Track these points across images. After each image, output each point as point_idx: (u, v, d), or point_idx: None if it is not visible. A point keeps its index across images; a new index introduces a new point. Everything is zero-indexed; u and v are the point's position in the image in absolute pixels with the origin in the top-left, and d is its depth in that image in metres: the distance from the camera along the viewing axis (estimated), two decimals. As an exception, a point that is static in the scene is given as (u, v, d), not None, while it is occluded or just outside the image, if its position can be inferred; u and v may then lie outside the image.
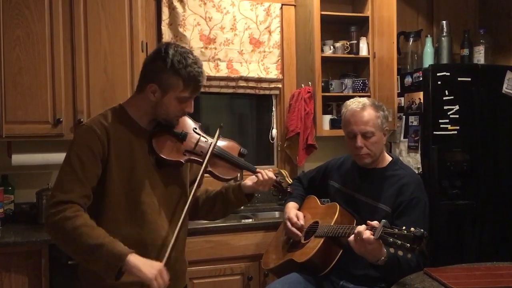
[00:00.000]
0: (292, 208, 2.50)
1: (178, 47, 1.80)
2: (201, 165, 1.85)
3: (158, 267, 1.67)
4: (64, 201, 1.65)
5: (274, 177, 2.00)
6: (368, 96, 3.46)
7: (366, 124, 2.24)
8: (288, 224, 2.39)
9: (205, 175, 1.89)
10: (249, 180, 2.00)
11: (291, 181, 2.98)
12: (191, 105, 1.84)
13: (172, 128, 1.87)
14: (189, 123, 1.95)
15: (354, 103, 2.30)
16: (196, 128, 1.95)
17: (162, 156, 1.81)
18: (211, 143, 1.88)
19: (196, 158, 1.88)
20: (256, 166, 2.03)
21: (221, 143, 1.98)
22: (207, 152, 1.86)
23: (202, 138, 1.92)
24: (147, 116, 1.84)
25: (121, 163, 1.76)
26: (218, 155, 1.92)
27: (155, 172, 1.84)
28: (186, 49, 1.81)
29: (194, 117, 2.01)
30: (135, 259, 1.64)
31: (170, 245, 1.74)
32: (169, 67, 1.74)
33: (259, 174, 1.97)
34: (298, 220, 2.37)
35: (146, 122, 1.85)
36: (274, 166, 3.65)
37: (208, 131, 2.00)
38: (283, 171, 3.47)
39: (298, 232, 2.35)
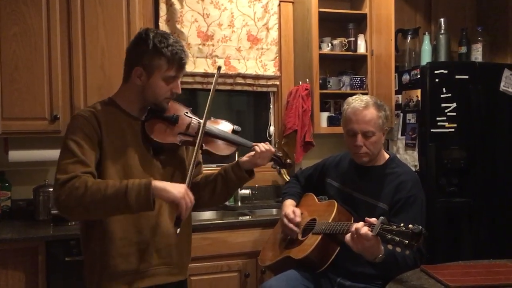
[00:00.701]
0: (289, 205, 2.49)
1: (157, 30, 1.84)
2: (196, 145, 1.87)
3: (184, 187, 1.71)
4: (69, 178, 1.65)
5: (272, 149, 2.01)
6: (366, 94, 3.47)
7: (368, 123, 2.23)
8: (285, 220, 2.38)
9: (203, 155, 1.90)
10: (246, 156, 2.01)
11: (288, 178, 2.98)
12: (178, 85, 1.86)
13: (163, 113, 1.88)
14: (180, 108, 1.98)
15: (357, 101, 2.28)
16: (187, 112, 1.98)
17: (156, 140, 1.83)
18: (204, 118, 1.90)
19: (190, 139, 1.90)
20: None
21: (214, 123, 2.02)
22: (201, 127, 1.88)
23: (194, 120, 1.95)
24: (137, 104, 1.85)
25: (114, 151, 1.77)
26: (212, 134, 1.95)
27: (151, 159, 1.85)
28: (166, 32, 1.86)
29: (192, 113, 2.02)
30: (159, 183, 1.68)
31: (190, 168, 1.80)
32: (151, 47, 1.77)
33: (256, 147, 1.99)
34: (295, 216, 2.37)
35: (136, 110, 1.86)
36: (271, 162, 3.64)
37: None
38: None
39: (295, 228, 2.34)
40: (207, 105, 1.91)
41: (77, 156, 1.69)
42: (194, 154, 1.85)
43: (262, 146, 1.99)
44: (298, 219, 2.37)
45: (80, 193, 1.62)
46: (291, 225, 2.35)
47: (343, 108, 2.35)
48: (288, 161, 2.13)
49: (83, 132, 1.73)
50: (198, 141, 1.86)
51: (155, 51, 1.77)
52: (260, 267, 2.81)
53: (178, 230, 1.72)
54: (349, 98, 2.35)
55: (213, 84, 1.96)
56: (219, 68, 2.00)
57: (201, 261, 2.77)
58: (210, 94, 1.95)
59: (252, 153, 1.99)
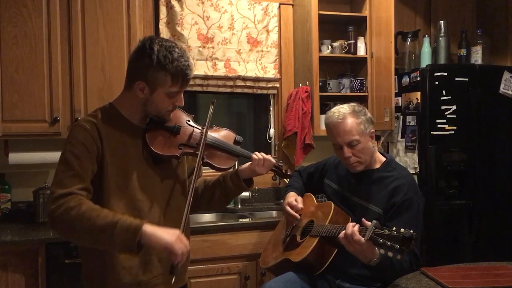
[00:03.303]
0: (292, 195, 2.49)
1: (162, 41, 1.76)
2: (197, 157, 1.84)
3: (176, 232, 1.65)
4: (65, 194, 1.63)
5: (273, 160, 1.99)
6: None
7: (349, 133, 2.21)
8: (288, 208, 2.38)
9: (204, 167, 1.88)
10: (246, 165, 2.00)
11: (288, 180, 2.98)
12: (181, 99, 1.82)
13: (165, 123, 1.86)
14: (182, 116, 1.94)
15: (335, 114, 2.26)
16: (189, 121, 1.94)
17: (156, 151, 1.81)
18: (204, 132, 1.87)
19: (191, 151, 1.88)
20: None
21: (216, 133, 1.98)
22: (201, 142, 1.85)
23: (196, 130, 1.92)
24: (138, 113, 1.82)
25: (115, 161, 1.75)
26: (214, 145, 1.93)
27: (151, 169, 1.83)
28: (171, 43, 1.77)
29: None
30: (150, 228, 1.61)
31: (185, 212, 1.75)
32: (156, 63, 1.71)
33: (253, 155, 1.97)
34: (297, 203, 2.37)
35: (138, 119, 1.83)
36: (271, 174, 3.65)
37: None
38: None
39: (297, 215, 2.35)
40: (204, 137, 1.87)
41: (74, 170, 1.66)
42: (195, 174, 1.83)
43: (260, 154, 1.98)
44: (300, 205, 2.37)
45: (73, 215, 1.60)
46: (292, 212, 2.35)
47: (325, 122, 2.34)
48: (289, 172, 2.12)
49: (83, 144, 1.70)
50: (199, 158, 1.83)
51: (159, 67, 1.71)
52: (260, 269, 2.82)
53: (174, 278, 1.69)
54: (328, 112, 2.34)
55: (207, 118, 1.90)
56: (213, 103, 1.96)
57: (201, 264, 2.77)
58: (204, 135, 1.88)
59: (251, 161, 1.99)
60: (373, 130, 2.30)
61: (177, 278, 1.78)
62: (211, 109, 1.93)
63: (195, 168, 1.85)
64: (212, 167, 1.91)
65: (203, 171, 2.15)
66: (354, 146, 2.22)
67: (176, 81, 1.74)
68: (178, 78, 1.74)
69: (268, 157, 1.98)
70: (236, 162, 2.00)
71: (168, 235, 1.62)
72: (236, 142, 2.00)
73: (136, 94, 1.77)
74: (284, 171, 2.10)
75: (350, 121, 2.22)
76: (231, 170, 2.03)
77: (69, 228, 1.64)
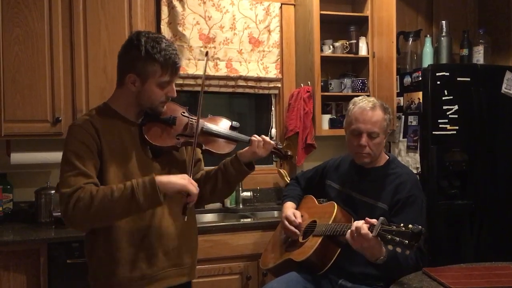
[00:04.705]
0: (289, 207, 2.50)
1: (149, 33, 1.80)
2: (195, 143, 1.86)
3: (186, 176, 1.74)
4: (74, 191, 1.65)
5: (272, 142, 2.00)
6: (367, 96, 3.46)
7: (374, 124, 2.23)
8: (286, 222, 2.39)
9: (204, 154, 1.92)
10: (245, 148, 2.00)
11: (289, 179, 2.98)
12: (173, 89, 1.85)
13: (160, 115, 1.88)
14: (176, 108, 1.96)
15: (364, 101, 2.28)
16: (184, 112, 1.96)
17: (155, 144, 1.83)
18: (199, 120, 1.90)
19: (189, 140, 1.89)
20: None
21: (212, 121, 2.01)
22: (197, 126, 1.87)
23: (191, 120, 1.94)
24: (133, 108, 1.84)
25: (114, 158, 1.77)
26: (211, 132, 1.95)
27: (151, 163, 1.85)
28: (158, 35, 1.82)
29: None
30: (162, 178, 1.70)
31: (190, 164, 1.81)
32: (144, 54, 1.74)
33: (252, 137, 1.98)
34: (295, 218, 2.37)
35: (133, 115, 1.85)
36: (273, 165, 3.65)
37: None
38: (282, 171, 3.48)
39: (296, 230, 2.35)
40: (200, 96, 1.90)
41: (78, 168, 1.68)
42: (192, 158, 1.84)
43: (258, 137, 1.98)
44: (299, 220, 2.37)
45: (87, 202, 1.63)
46: (292, 228, 2.36)
47: (349, 107, 2.34)
48: (289, 152, 2.12)
49: (82, 142, 1.72)
50: (194, 141, 1.85)
51: (148, 57, 1.74)
52: (262, 270, 2.81)
53: (186, 217, 1.74)
54: (355, 98, 2.36)
55: (204, 69, 1.95)
56: (207, 53, 2.00)
57: (203, 263, 2.77)
58: (202, 81, 1.98)
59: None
60: (389, 130, 2.35)
61: (188, 237, 1.86)
62: (206, 59, 2.06)
63: (192, 151, 1.86)
64: (211, 153, 1.92)
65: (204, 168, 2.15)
66: (373, 138, 2.24)
67: (165, 70, 1.77)
68: (167, 67, 1.77)
69: (268, 139, 1.99)
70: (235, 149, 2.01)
71: (180, 179, 1.71)
72: (232, 127, 2.02)
73: (128, 88, 1.80)
74: (284, 153, 2.09)
75: (379, 113, 2.26)
76: (230, 157, 2.03)
77: (89, 216, 1.65)
